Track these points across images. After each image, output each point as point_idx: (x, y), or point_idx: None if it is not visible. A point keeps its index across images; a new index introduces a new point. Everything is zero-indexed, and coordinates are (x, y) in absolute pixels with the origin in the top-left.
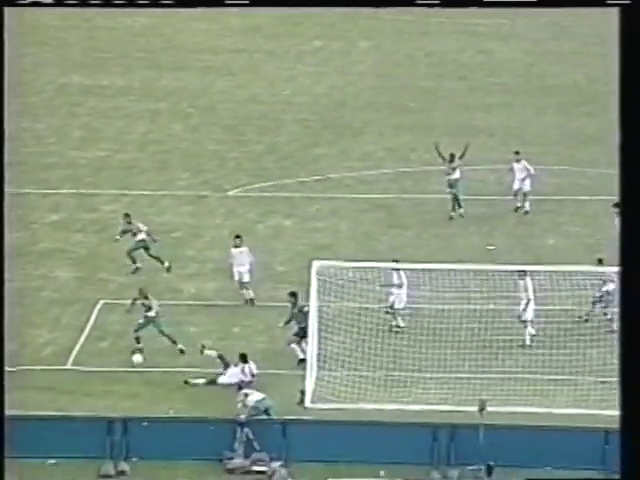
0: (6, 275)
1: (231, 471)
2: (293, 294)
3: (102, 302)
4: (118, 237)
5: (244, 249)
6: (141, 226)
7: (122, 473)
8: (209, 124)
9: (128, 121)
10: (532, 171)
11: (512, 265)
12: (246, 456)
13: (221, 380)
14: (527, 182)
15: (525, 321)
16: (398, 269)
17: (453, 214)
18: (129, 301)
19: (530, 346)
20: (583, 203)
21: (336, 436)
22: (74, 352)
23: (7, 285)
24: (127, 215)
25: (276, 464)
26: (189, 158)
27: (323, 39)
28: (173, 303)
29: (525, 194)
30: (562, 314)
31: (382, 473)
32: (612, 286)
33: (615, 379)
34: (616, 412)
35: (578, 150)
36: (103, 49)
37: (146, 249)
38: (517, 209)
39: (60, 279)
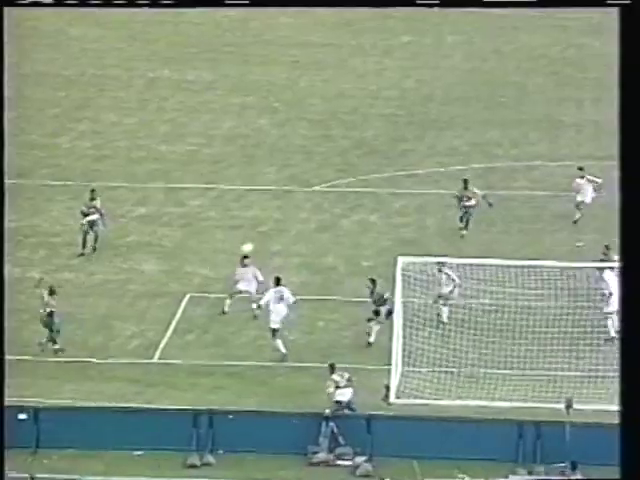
0: (94, 267)
1: (315, 465)
2: (372, 280)
3: (189, 295)
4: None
5: (251, 269)
6: (99, 207)
7: (207, 464)
8: (296, 119)
9: (215, 115)
10: (599, 181)
11: (594, 262)
12: (330, 450)
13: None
14: (590, 195)
15: (608, 313)
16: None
17: (464, 232)
18: (214, 295)
19: (614, 339)
20: None
21: (420, 432)
22: (161, 345)
23: (94, 277)
24: (93, 191)
25: (360, 459)
26: (275, 153)
27: (411, 34)
28: (258, 297)
29: (583, 205)
30: None
31: (462, 475)
32: None
33: None
34: None
35: None
36: (191, 44)
37: (92, 228)
38: (576, 222)
39: (147, 272)
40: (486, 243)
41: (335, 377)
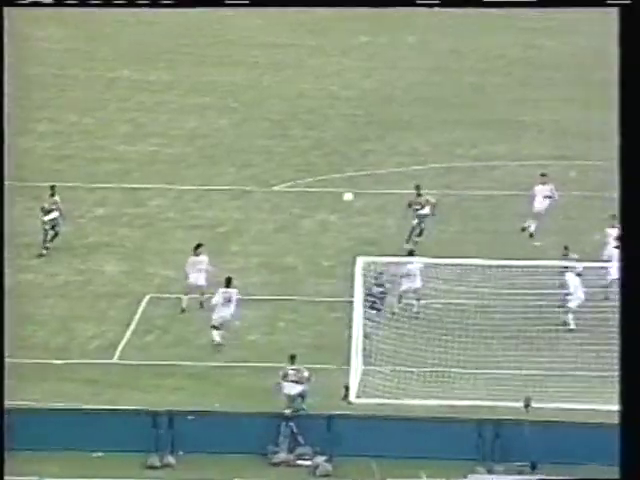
0: (53, 268)
1: (275, 465)
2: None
3: (149, 296)
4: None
5: (204, 258)
6: (59, 203)
7: (167, 465)
8: (256, 119)
9: (175, 116)
10: (556, 196)
11: (555, 260)
12: (290, 450)
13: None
14: (547, 202)
15: (569, 309)
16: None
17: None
18: (175, 295)
19: (574, 339)
20: None
21: (380, 431)
22: (120, 346)
23: (54, 278)
24: (53, 187)
25: (320, 458)
26: (235, 153)
27: (370, 34)
28: (207, 296)
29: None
30: (607, 309)
31: (423, 475)
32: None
33: None
34: None
35: None
36: (151, 44)
37: (53, 228)
38: (524, 229)
39: (107, 273)
40: (445, 243)
41: (289, 369)
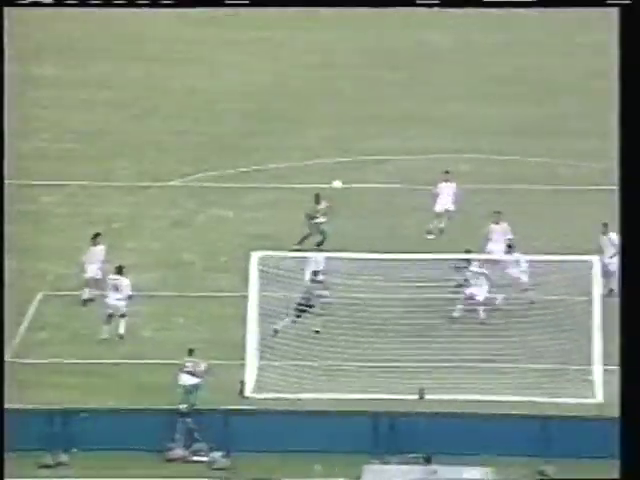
0: None
1: (171, 461)
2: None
3: (42, 293)
4: None
5: (101, 248)
6: None
7: (61, 464)
8: (148, 114)
9: (68, 111)
10: (456, 191)
11: (453, 254)
12: (186, 446)
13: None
14: (450, 201)
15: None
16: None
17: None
18: (69, 292)
19: (466, 330)
20: (529, 192)
21: (277, 426)
22: (14, 344)
23: None
24: None
25: (217, 454)
26: (129, 148)
27: (264, 29)
28: (98, 293)
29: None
30: (501, 302)
31: (318, 467)
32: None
33: (552, 366)
34: (553, 399)
35: (516, 139)
36: (44, 38)
37: None
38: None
39: None
40: (340, 236)
41: (186, 360)
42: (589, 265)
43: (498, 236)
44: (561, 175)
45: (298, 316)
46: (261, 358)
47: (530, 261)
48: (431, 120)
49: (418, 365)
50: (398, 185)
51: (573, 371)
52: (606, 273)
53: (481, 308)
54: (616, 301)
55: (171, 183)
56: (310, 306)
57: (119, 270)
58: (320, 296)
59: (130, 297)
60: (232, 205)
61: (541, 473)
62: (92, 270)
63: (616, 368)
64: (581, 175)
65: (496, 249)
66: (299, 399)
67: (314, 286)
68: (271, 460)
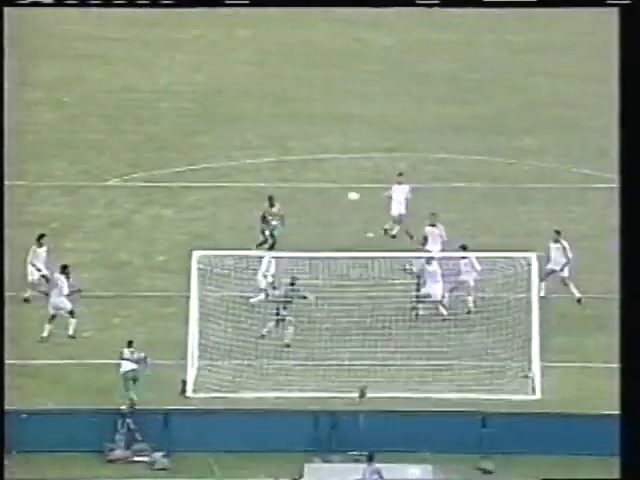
0: None
1: (112, 462)
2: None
3: None
4: None
5: (44, 248)
6: None
7: None
8: (86, 114)
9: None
10: (409, 195)
11: (391, 252)
12: (127, 447)
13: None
14: (403, 205)
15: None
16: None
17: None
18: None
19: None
20: (459, 190)
21: (218, 425)
22: None
23: None
24: None
25: (158, 454)
26: (66, 148)
27: (201, 28)
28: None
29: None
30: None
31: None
32: (466, 277)
33: (492, 363)
34: (493, 396)
35: (453, 137)
36: None
37: None
38: (386, 231)
39: None
40: (279, 235)
41: (126, 349)
42: (528, 262)
43: (435, 237)
44: (500, 173)
45: (278, 321)
46: (202, 358)
47: (469, 258)
48: (368, 119)
49: (359, 363)
50: (337, 184)
51: (512, 368)
52: (549, 275)
53: (438, 306)
54: (554, 298)
55: (110, 183)
56: (286, 308)
57: (63, 269)
58: (301, 297)
59: (76, 292)
60: (172, 204)
61: (481, 468)
62: (37, 271)
63: (554, 365)
64: (521, 173)
65: (434, 250)
66: (240, 398)
67: (292, 290)
68: (212, 460)
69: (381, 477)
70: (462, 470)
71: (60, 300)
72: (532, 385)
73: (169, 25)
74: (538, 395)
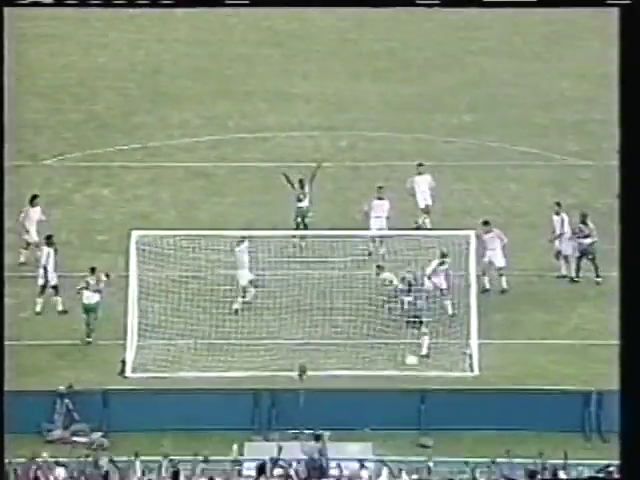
0: None
1: (50, 442)
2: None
3: None
4: None
5: (39, 209)
6: None
7: None
8: (23, 92)
9: None
10: (433, 184)
11: (330, 230)
12: (65, 427)
13: None
14: (428, 195)
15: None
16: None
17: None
18: None
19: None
20: (398, 168)
21: (157, 405)
22: None
23: None
24: None
25: (96, 434)
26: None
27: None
28: None
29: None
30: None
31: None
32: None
33: (431, 340)
34: (431, 373)
35: (392, 116)
36: None
37: None
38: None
39: None
40: (219, 215)
41: (90, 279)
42: (466, 240)
43: (380, 212)
44: (438, 151)
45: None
46: (141, 337)
47: (408, 236)
48: (307, 97)
49: (298, 342)
50: (277, 163)
51: (451, 345)
52: (559, 256)
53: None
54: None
55: (47, 162)
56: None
57: (48, 240)
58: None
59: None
60: (111, 184)
61: (420, 444)
62: (26, 232)
63: (492, 342)
64: (459, 150)
65: (378, 225)
66: (179, 378)
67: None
68: (151, 439)
69: (323, 455)
70: (401, 446)
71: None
72: (470, 362)
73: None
74: (476, 372)
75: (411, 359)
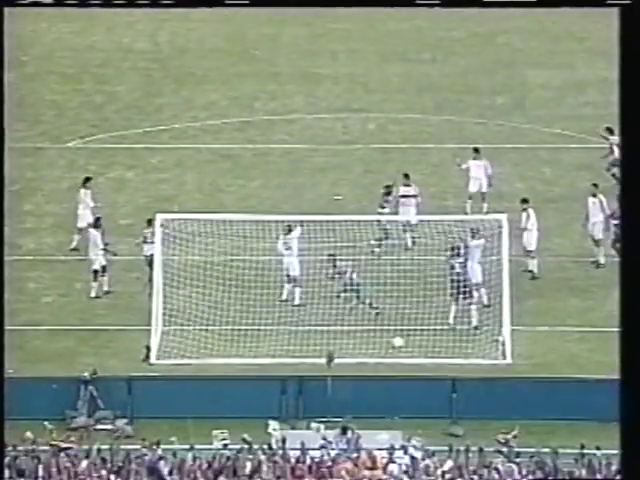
0: None
1: (75, 429)
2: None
3: None
4: None
5: (90, 192)
6: None
7: None
8: (45, 73)
9: None
10: (490, 170)
11: (360, 215)
12: (90, 414)
13: None
14: (485, 182)
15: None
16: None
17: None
18: None
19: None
20: (428, 151)
21: (182, 392)
22: None
23: None
24: None
25: (121, 422)
26: (25, 108)
27: None
28: (12, 259)
29: (484, 196)
30: (408, 263)
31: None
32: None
33: (461, 327)
34: (463, 361)
35: (422, 97)
36: None
37: None
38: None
39: None
40: (245, 198)
41: (147, 231)
42: (499, 224)
43: (409, 200)
44: (469, 132)
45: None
46: (166, 323)
47: (440, 221)
48: (335, 78)
49: (327, 329)
50: (305, 145)
51: (483, 332)
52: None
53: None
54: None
55: (70, 144)
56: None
57: (96, 222)
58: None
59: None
60: (135, 166)
61: (450, 434)
62: (84, 214)
63: (525, 329)
64: (491, 132)
65: (410, 212)
66: (205, 364)
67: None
68: (176, 427)
69: (349, 444)
70: (431, 435)
71: (95, 254)
72: (502, 349)
73: None
74: (509, 360)
75: (398, 341)
